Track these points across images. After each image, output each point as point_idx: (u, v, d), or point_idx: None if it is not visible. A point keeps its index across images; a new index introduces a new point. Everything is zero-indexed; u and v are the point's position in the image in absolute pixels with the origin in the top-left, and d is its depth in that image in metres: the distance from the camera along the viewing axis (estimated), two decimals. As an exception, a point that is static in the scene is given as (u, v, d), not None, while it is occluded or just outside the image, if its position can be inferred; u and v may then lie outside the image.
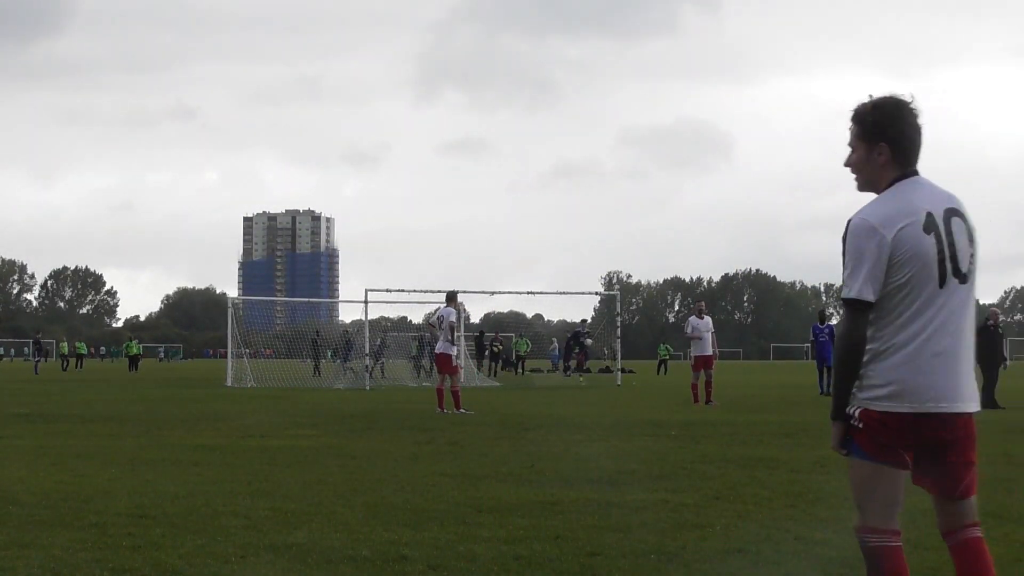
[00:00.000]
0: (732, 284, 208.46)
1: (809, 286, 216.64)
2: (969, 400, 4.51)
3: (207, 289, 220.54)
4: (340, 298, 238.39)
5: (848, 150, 4.65)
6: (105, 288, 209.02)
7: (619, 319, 44.07)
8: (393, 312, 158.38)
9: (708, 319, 25.89)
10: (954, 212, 4.56)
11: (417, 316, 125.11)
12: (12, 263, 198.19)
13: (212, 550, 7.29)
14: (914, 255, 4.41)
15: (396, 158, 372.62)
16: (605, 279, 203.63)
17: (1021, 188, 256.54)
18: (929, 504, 4.67)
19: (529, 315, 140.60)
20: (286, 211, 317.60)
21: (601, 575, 6.72)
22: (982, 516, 4.72)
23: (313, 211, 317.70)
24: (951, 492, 4.56)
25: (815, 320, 33.00)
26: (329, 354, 49.83)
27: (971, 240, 4.56)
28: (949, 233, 4.49)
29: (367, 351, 39.52)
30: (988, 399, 22.69)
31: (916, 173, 4.56)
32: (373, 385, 36.71)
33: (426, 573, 6.74)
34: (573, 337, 49.62)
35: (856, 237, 4.45)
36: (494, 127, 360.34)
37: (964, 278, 4.51)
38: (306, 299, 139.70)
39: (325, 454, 13.45)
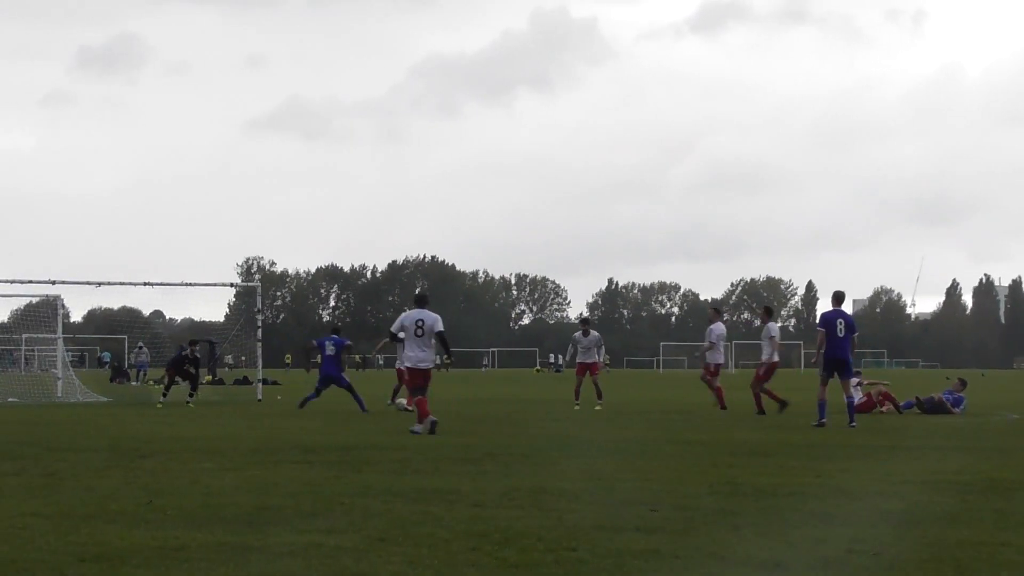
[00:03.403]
0: (402, 274, 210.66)
1: (497, 277, 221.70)
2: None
3: None
4: None
5: None
6: None
7: (260, 317, 43.80)
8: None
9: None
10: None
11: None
12: None
13: None
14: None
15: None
16: (242, 267, 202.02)
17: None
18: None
19: (146, 312, 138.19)
20: None
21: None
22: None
23: None
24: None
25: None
26: None
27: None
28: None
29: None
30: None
31: None
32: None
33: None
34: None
35: None
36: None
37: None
38: None
39: None
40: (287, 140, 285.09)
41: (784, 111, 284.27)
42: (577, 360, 33.97)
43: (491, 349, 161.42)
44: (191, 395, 35.05)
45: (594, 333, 34.37)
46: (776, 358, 30.56)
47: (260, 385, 42.33)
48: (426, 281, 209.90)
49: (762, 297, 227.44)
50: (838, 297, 26.20)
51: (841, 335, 24.96)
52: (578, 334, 34.38)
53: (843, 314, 25.49)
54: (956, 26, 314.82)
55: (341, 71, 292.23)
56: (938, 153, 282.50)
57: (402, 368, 30.76)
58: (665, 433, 22.72)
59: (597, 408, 31.98)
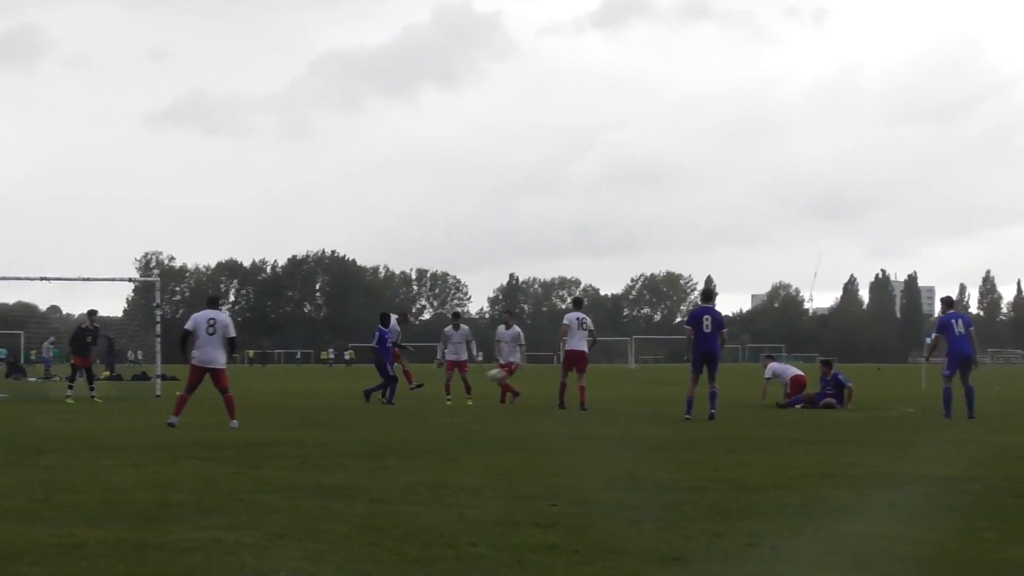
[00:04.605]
0: (302, 269, 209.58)
1: (398, 272, 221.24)
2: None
3: None
4: None
5: None
6: None
7: (159, 312, 43.42)
8: None
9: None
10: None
11: None
12: None
13: None
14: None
15: None
16: (141, 261, 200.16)
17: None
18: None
19: (43, 307, 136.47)
20: None
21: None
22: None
23: None
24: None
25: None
26: None
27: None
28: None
29: None
30: None
31: None
32: None
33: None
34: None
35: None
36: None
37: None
38: None
39: None
40: (188, 134, 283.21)
41: (685, 107, 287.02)
42: (448, 356, 33.77)
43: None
44: (92, 387, 34.71)
45: (464, 327, 34.38)
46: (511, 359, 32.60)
47: (159, 381, 41.93)
48: (327, 276, 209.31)
49: (662, 292, 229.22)
50: (706, 294, 27.49)
51: (708, 331, 25.59)
52: (448, 328, 34.34)
53: (710, 310, 26.08)
54: (855, 25, 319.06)
55: (243, 65, 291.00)
56: (837, 150, 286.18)
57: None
58: (565, 428, 22.79)
59: (469, 403, 31.95)
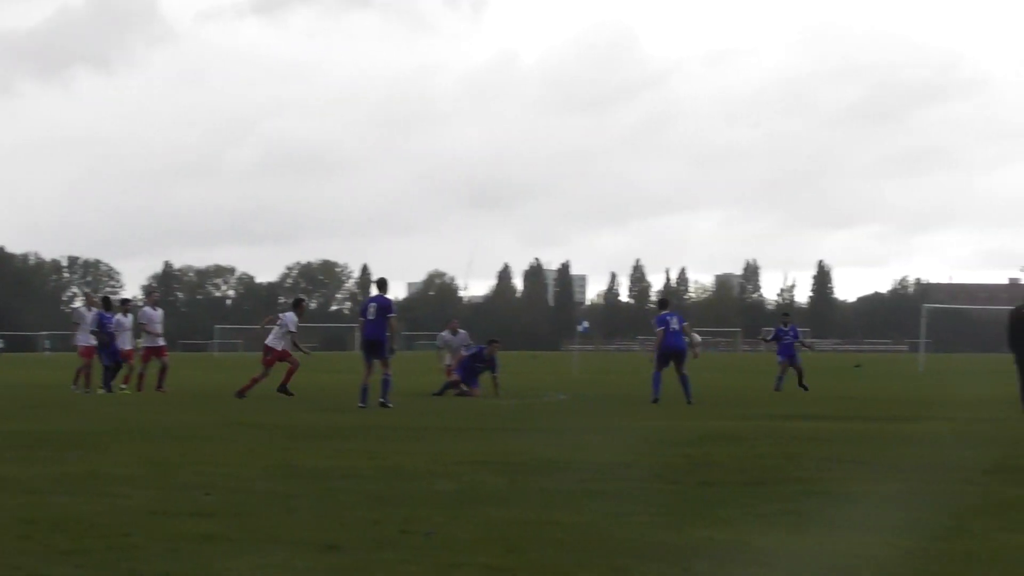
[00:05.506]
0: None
1: (48, 259, 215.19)
2: None
3: None
4: None
5: None
6: None
7: None
8: None
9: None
10: None
11: None
12: None
13: None
14: None
15: None
16: None
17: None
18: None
19: None
20: None
21: None
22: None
23: None
24: None
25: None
26: None
27: None
28: None
29: None
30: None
31: None
32: None
33: None
34: None
35: None
36: None
37: None
38: None
39: None
40: None
41: (345, 95, 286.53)
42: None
43: (42, 332, 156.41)
44: None
45: (130, 315, 33.74)
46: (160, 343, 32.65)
47: None
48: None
49: (317, 280, 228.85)
50: (379, 283, 27.74)
51: (373, 318, 26.12)
52: (118, 315, 33.31)
53: (377, 298, 26.71)
54: (513, 14, 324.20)
55: None
56: (494, 139, 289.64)
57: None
58: (221, 416, 22.61)
59: (126, 392, 31.35)
